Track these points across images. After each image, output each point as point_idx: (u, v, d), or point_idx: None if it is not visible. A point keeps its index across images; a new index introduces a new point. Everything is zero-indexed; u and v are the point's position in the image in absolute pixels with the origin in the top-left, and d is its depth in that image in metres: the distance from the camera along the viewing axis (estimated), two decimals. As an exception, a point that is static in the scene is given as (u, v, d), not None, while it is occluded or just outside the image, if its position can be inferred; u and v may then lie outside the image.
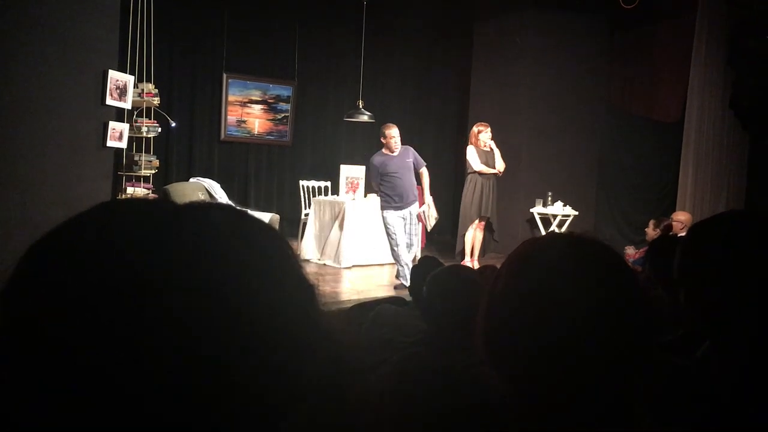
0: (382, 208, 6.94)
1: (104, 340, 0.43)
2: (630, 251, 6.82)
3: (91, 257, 0.46)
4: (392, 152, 6.88)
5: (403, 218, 6.94)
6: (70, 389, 0.43)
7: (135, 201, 0.53)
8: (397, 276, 7.04)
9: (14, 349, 0.44)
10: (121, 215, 0.50)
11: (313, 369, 0.50)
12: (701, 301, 1.18)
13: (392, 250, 6.95)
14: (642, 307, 0.85)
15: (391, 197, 6.85)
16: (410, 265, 6.88)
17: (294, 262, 0.54)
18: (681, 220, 6.89)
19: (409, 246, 7.06)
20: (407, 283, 6.78)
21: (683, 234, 3.24)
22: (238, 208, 0.55)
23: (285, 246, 0.54)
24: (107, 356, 0.43)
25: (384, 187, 6.87)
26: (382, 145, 6.98)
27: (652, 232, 6.70)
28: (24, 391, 0.43)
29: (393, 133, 6.87)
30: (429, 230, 7.53)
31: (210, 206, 0.54)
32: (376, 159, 6.93)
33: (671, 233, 6.27)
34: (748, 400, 1.08)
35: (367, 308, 3.34)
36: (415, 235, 7.11)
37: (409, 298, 3.57)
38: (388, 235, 6.91)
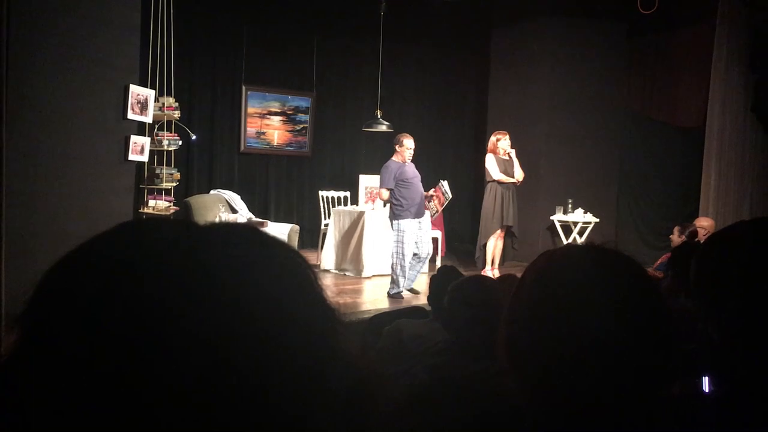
0: (397, 216, 6.87)
1: (124, 362, 0.44)
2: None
3: (110, 280, 0.46)
4: (404, 162, 6.96)
5: (420, 226, 6.96)
6: (90, 411, 0.43)
7: (156, 220, 0.53)
8: (395, 286, 6.96)
9: (33, 371, 0.45)
10: (141, 236, 0.51)
11: (330, 392, 0.49)
12: (717, 311, 1.16)
13: (398, 261, 6.87)
14: (663, 317, 0.84)
15: (409, 205, 6.82)
16: (420, 273, 7.09)
17: (315, 285, 0.54)
18: (704, 226, 6.79)
19: (426, 254, 7.07)
20: (401, 289, 6.80)
21: (706, 240, 3.20)
22: (259, 228, 0.55)
23: (306, 268, 0.54)
24: (127, 379, 0.44)
25: (400, 194, 6.83)
26: (392, 153, 7.07)
27: (677, 238, 6.60)
28: (44, 412, 0.44)
29: (411, 144, 6.97)
30: (434, 214, 7.45)
31: (231, 227, 0.54)
32: (392, 164, 6.95)
33: (696, 240, 6.19)
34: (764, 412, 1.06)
35: (388, 318, 3.33)
36: (427, 243, 7.11)
37: (428, 308, 3.56)
38: (400, 243, 6.85)
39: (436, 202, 7.18)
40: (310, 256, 8.78)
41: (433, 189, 7.20)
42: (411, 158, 6.99)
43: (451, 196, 7.18)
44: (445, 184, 7.17)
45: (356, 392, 0.51)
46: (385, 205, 7.51)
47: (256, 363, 0.46)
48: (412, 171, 6.95)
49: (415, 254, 6.98)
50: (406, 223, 6.82)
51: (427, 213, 7.15)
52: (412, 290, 7.07)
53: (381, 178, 6.97)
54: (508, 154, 7.76)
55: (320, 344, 0.50)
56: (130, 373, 0.44)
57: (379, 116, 8.77)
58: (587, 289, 0.85)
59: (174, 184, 7.45)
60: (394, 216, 6.91)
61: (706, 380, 1.26)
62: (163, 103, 7.05)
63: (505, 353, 0.92)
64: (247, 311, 0.47)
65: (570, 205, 8.81)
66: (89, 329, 0.45)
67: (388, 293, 6.92)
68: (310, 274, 0.54)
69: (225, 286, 0.48)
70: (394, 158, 7.00)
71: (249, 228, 0.55)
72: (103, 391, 0.43)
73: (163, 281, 0.46)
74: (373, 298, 6.93)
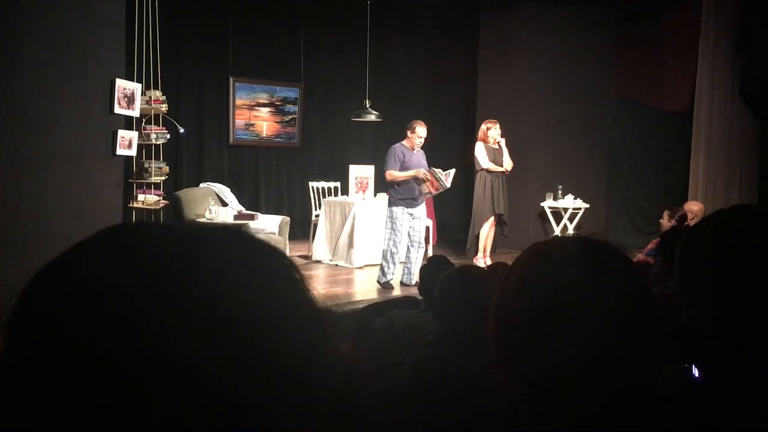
0: (391, 203, 6.85)
1: (107, 370, 0.44)
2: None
3: (93, 289, 0.46)
4: (412, 149, 6.87)
5: (412, 216, 6.87)
6: (72, 421, 0.43)
7: (141, 226, 0.53)
8: (383, 274, 6.90)
9: (19, 385, 0.45)
10: (125, 242, 0.51)
11: (314, 394, 0.50)
12: (701, 298, 1.17)
13: (389, 248, 6.81)
14: (650, 309, 0.85)
15: (404, 192, 6.76)
16: (418, 265, 6.86)
17: (301, 287, 0.54)
18: (693, 210, 6.81)
19: (417, 245, 6.97)
20: (391, 277, 6.76)
21: (695, 225, 3.20)
22: (246, 231, 0.56)
23: (292, 270, 0.54)
24: (110, 387, 0.43)
25: (397, 182, 6.75)
26: (403, 137, 6.96)
27: (667, 222, 6.60)
28: (28, 421, 0.44)
29: (422, 132, 6.88)
30: (426, 194, 7.16)
31: (217, 231, 0.54)
32: (398, 147, 6.84)
33: (686, 224, 6.21)
34: (741, 399, 1.07)
35: (380, 309, 3.34)
36: (419, 232, 6.97)
37: (420, 298, 3.57)
38: (390, 231, 6.79)
39: (429, 185, 6.98)
40: (301, 248, 8.78)
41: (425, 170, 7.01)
42: (421, 146, 6.91)
43: (447, 186, 7.00)
44: (438, 172, 6.95)
45: (341, 393, 0.52)
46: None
47: (237, 366, 0.46)
48: (417, 160, 6.84)
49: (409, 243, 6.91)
50: (399, 211, 6.77)
51: (422, 205, 7.03)
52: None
53: (386, 161, 6.85)
54: (498, 143, 7.77)
55: (304, 347, 0.50)
56: (112, 381, 0.44)
57: (368, 106, 8.75)
58: (575, 281, 0.85)
59: (163, 178, 7.42)
60: (389, 203, 6.90)
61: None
62: (150, 97, 7.00)
63: (494, 343, 0.92)
64: (229, 316, 0.47)
65: (560, 191, 8.82)
66: (73, 338, 0.45)
67: (378, 281, 6.91)
68: (296, 277, 0.54)
69: (207, 291, 0.48)
70: (403, 142, 6.92)
71: (235, 231, 0.55)
72: (86, 400, 0.43)
73: (147, 288, 0.46)
74: (365, 288, 6.94)
